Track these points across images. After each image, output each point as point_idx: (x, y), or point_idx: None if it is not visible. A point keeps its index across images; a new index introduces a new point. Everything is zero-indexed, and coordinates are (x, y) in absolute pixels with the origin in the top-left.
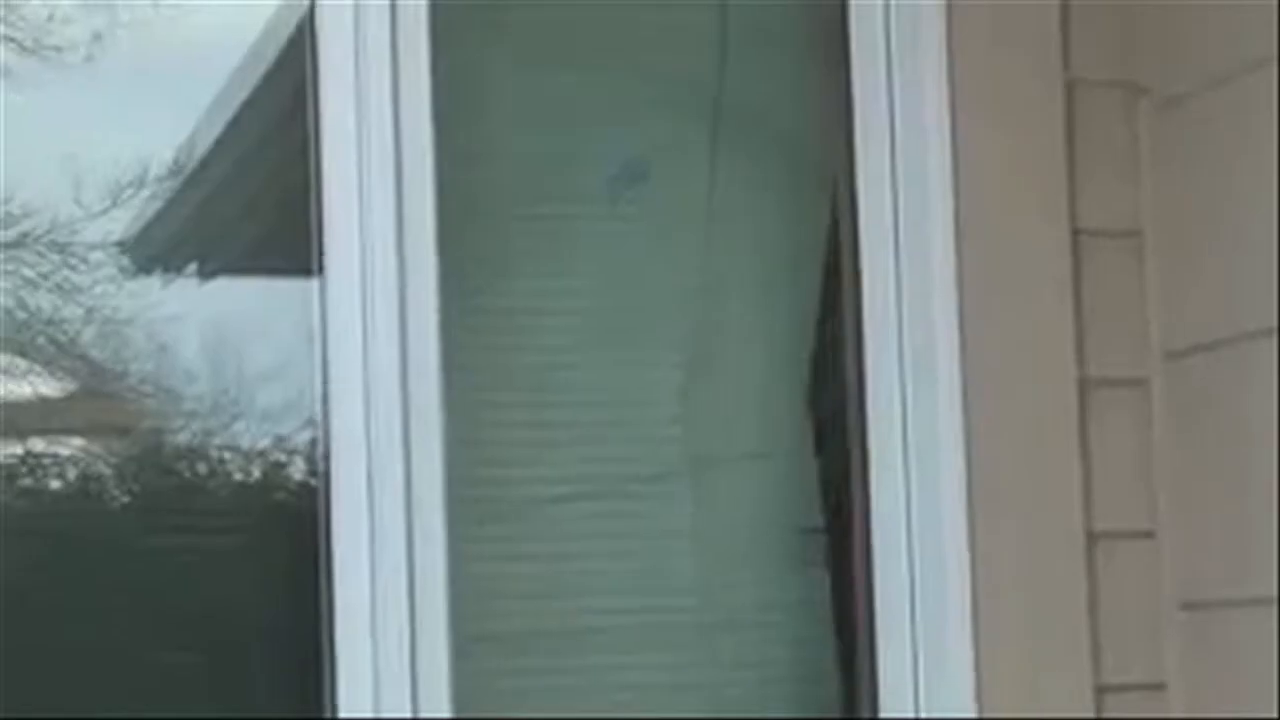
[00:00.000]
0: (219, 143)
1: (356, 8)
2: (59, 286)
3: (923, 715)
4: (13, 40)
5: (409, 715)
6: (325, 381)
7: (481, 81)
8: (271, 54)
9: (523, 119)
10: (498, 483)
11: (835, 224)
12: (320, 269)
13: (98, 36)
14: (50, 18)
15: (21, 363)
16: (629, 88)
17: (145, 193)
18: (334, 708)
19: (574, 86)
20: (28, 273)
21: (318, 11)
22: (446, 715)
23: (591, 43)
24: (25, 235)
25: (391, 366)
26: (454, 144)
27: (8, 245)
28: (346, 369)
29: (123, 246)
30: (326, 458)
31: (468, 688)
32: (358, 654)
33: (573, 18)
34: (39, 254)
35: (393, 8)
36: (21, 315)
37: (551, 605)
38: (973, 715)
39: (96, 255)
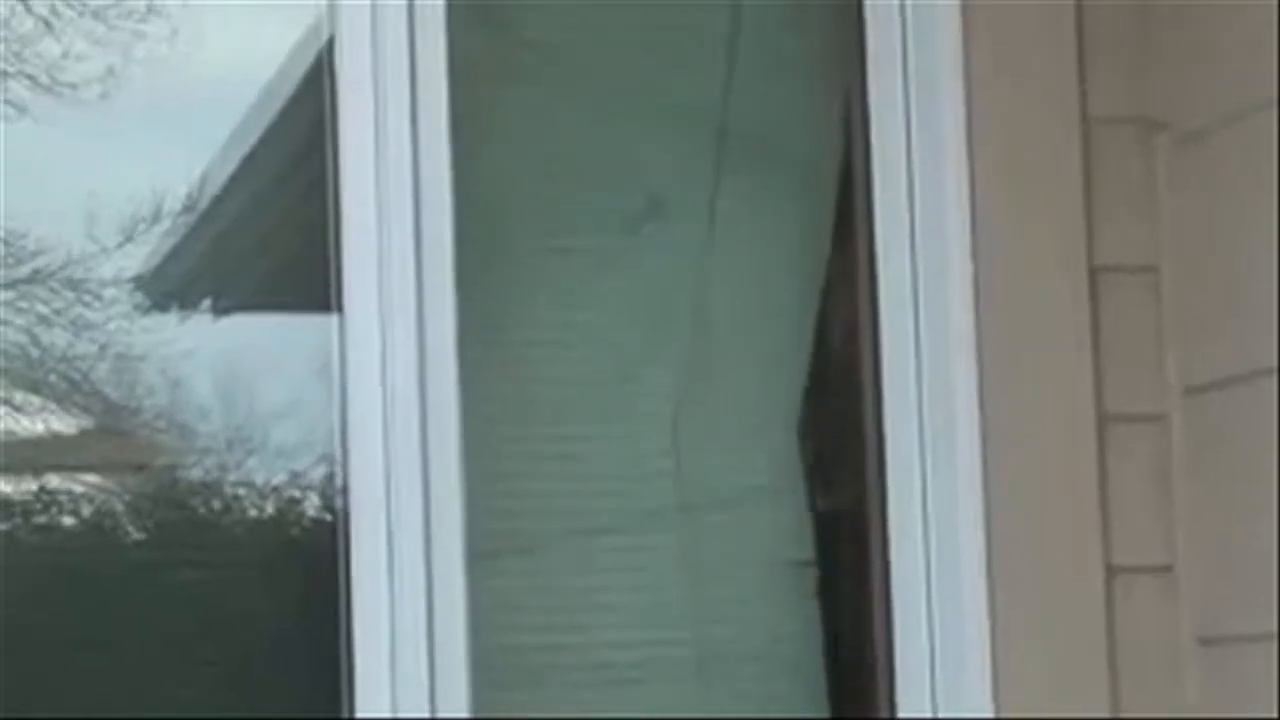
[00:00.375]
0: (234, 178)
1: (374, 44)
2: (72, 323)
3: None
4: (27, 77)
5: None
6: (344, 417)
7: (499, 116)
8: (288, 89)
9: (540, 153)
10: (516, 515)
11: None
12: (339, 305)
13: (112, 72)
14: (65, 54)
15: (35, 399)
16: (643, 118)
17: (160, 229)
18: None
19: (590, 119)
20: (41, 309)
21: (337, 48)
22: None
23: (606, 72)
24: (38, 271)
25: (410, 401)
26: (471, 179)
27: (21, 282)
28: (365, 404)
29: (137, 283)
30: (345, 491)
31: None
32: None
33: (587, 50)
34: (53, 290)
35: (411, 44)
36: (35, 352)
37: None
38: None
39: (110, 291)
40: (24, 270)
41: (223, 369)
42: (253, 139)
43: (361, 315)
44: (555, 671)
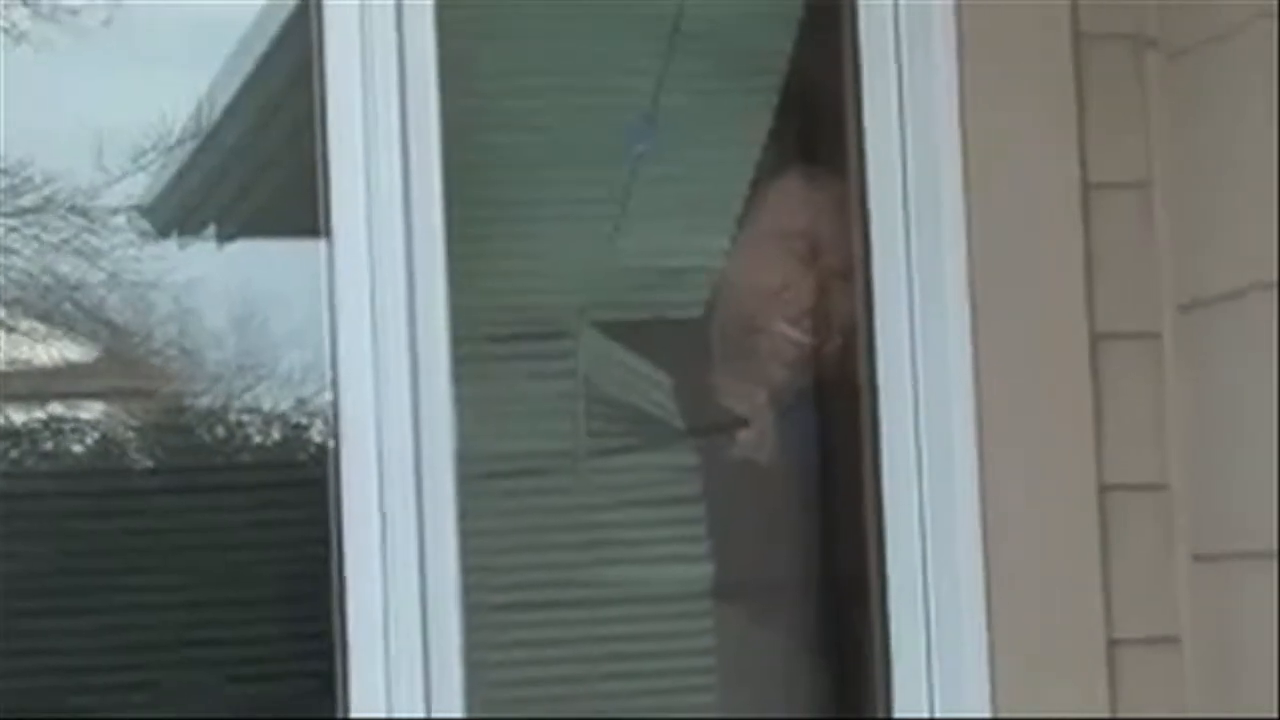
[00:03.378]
0: (235, 105)
1: None
2: (79, 251)
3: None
4: (28, 4)
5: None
6: (334, 344)
7: (486, 36)
8: (285, 10)
9: (528, 76)
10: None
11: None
12: (327, 232)
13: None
14: None
15: (43, 327)
16: (630, 40)
17: (167, 156)
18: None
19: (579, 42)
20: (50, 238)
21: None
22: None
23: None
24: (48, 200)
25: (399, 325)
26: (460, 100)
27: (31, 210)
28: (354, 332)
29: (142, 211)
30: (336, 421)
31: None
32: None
33: None
34: (62, 218)
35: None
36: (46, 280)
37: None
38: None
39: (118, 220)
40: (33, 199)
41: (230, 297)
42: (252, 63)
43: (349, 242)
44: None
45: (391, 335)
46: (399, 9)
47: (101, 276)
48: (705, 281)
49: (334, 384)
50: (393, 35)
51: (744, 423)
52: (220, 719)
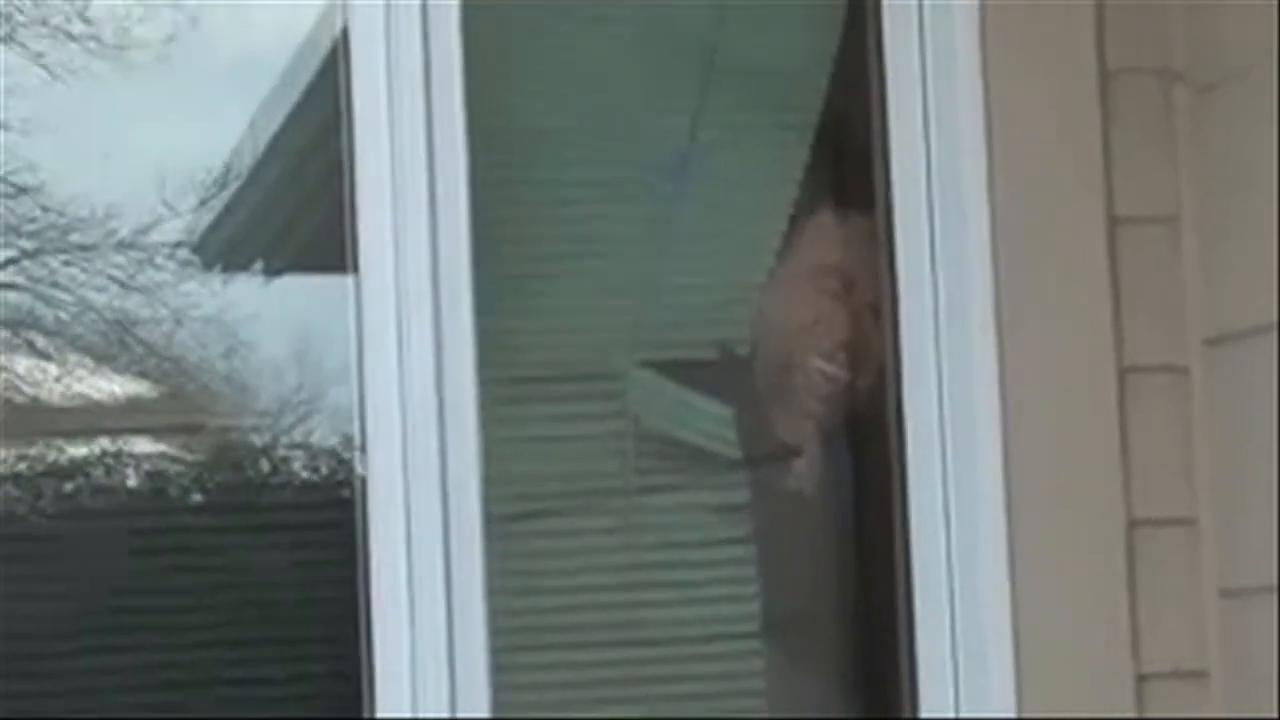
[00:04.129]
0: (278, 141)
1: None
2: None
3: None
4: (76, 40)
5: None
6: (360, 379)
7: (517, 74)
8: (323, 49)
9: (559, 114)
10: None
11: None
12: (355, 267)
13: (171, 38)
14: (126, 16)
15: (101, 360)
16: (650, 67)
17: (213, 194)
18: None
19: (605, 69)
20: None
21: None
22: (485, 715)
23: (616, 23)
24: (109, 235)
25: (426, 364)
26: (487, 127)
27: (89, 247)
28: (382, 368)
29: (191, 247)
30: (364, 452)
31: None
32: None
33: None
34: (123, 254)
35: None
36: (111, 315)
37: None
38: (1012, 713)
39: (165, 256)
40: (94, 235)
41: (286, 331)
42: (295, 99)
43: (377, 278)
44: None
45: (418, 374)
46: (425, 46)
47: (158, 311)
48: (743, 317)
49: (361, 423)
50: (419, 74)
51: (798, 453)
52: (233, 718)
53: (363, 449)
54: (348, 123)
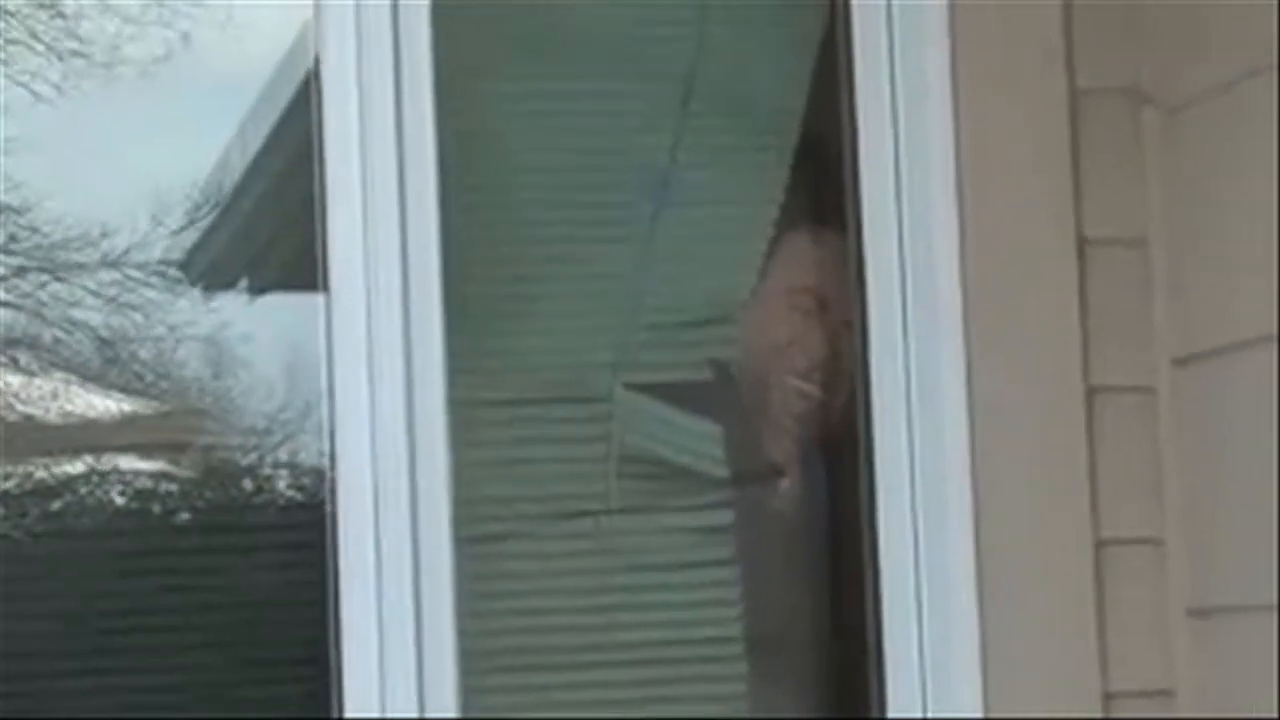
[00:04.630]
0: (259, 160)
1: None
2: (140, 306)
3: None
4: (80, 57)
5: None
6: (331, 393)
7: (490, 95)
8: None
9: (536, 134)
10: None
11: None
12: (325, 285)
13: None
14: (117, 34)
15: (87, 378)
16: (628, 89)
17: (197, 213)
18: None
19: (576, 91)
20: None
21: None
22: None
23: (587, 44)
24: (95, 253)
25: (396, 381)
26: (456, 148)
27: (75, 265)
28: (351, 384)
29: (177, 265)
30: (333, 466)
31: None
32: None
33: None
34: (126, 274)
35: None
36: (96, 333)
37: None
38: None
39: (152, 274)
40: (93, 255)
41: (277, 349)
42: (275, 118)
43: (347, 296)
44: None
45: (388, 393)
46: (396, 69)
47: (144, 329)
48: (724, 337)
49: (330, 422)
50: (390, 94)
51: (783, 473)
52: (220, 719)
53: (333, 466)
54: (319, 142)
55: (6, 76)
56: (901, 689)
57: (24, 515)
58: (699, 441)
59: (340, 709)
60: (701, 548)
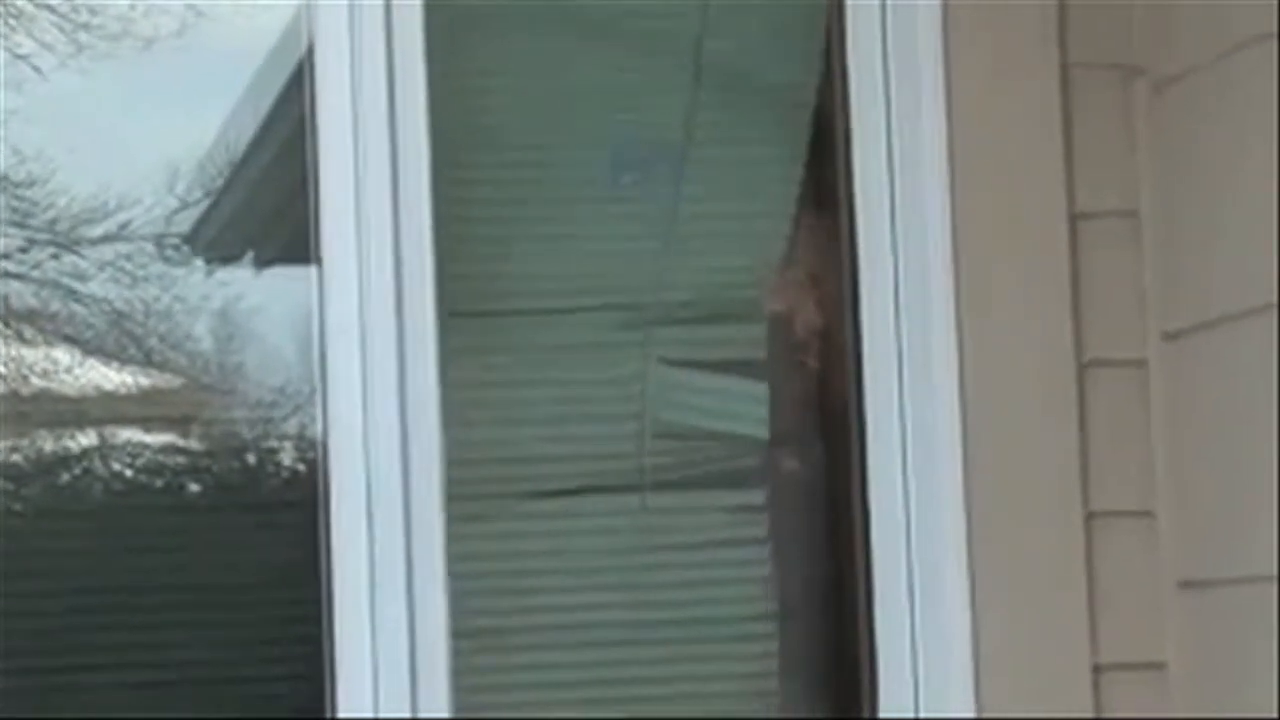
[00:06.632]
0: (264, 132)
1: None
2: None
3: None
4: (94, 27)
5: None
6: (323, 370)
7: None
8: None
9: (532, 112)
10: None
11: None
12: (318, 260)
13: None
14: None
15: (104, 354)
16: (620, 69)
17: (202, 185)
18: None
19: (568, 71)
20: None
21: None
22: (445, 715)
23: (580, 29)
24: (123, 227)
25: (388, 355)
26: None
27: (82, 239)
28: (344, 358)
29: (183, 237)
30: (324, 448)
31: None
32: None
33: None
34: (138, 247)
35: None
36: (118, 306)
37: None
38: (971, 700)
39: (168, 244)
40: (105, 228)
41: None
42: (279, 90)
43: (340, 271)
44: None
45: (380, 369)
46: (389, 42)
47: (151, 302)
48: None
49: (322, 401)
50: (382, 75)
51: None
52: (217, 719)
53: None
54: (311, 118)
55: (14, 49)
56: (892, 660)
57: (31, 487)
58: (746, 404)
59: (333, 698)
60: (729, 529)
